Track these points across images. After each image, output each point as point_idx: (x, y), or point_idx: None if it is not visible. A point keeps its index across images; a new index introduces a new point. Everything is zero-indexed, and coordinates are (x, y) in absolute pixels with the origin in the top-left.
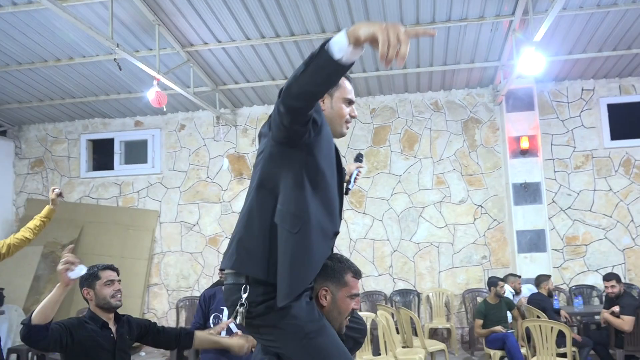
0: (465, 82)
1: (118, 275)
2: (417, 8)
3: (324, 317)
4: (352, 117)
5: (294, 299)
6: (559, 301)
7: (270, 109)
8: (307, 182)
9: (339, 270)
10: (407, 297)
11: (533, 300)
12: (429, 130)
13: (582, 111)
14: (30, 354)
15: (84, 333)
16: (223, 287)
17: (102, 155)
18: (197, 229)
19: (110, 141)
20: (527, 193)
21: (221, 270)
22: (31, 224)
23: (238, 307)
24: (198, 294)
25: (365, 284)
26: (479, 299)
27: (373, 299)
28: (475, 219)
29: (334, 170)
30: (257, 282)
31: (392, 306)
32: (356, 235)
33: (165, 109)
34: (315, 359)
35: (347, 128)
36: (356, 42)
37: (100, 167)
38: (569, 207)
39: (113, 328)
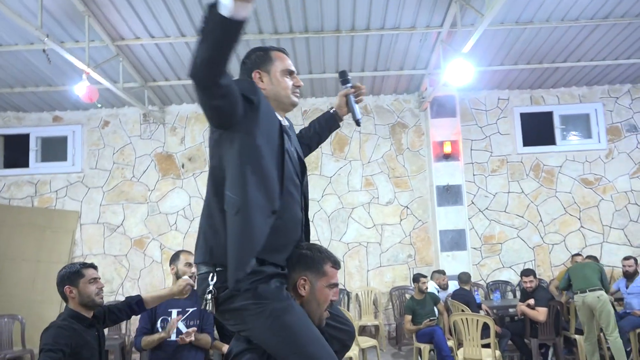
0: (394, 88)
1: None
2: (354, 15)
3: (292, 298)
4: (297, 86)
5: (262, 281)
6: (479, 295)
7: (200, 107)
8: (245, 162)
9: (318, 259)
10: None
11: (457, 295)
12: (358, 133)
13: (498, 119)
14: None
15: (77, 339)
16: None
17: (15, 151)
18: (122, 231)
19: (25, 137)
20: (450, 195)
21: (195, 263)
22: None
23: (206, 294)
24: (122, 298)
25: None
26: (407, 296)
27: None
28: (401, 220)
29: (275, 147)
30: (223, 269)
31: None
32: None
33: (99, 104)
34: (282, 338)
35: (297, 97)
36: None
37: (12, 165)
38: (486, 208)
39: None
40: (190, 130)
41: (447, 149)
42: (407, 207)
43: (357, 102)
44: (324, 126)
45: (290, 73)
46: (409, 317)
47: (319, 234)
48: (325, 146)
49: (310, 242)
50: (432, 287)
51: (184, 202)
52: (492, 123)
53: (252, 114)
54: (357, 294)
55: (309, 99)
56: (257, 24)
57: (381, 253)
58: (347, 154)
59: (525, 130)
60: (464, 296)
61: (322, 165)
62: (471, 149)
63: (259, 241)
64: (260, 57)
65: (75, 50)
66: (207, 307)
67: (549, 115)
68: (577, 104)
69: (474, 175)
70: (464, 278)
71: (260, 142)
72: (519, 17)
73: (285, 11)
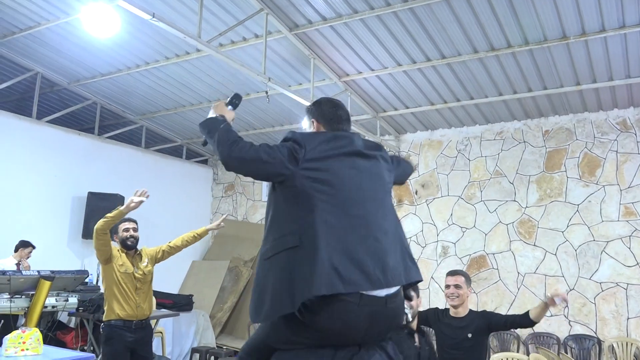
0: None
1: None
2: (580, 17)
3: None
4: None
5: None
6: None
7: (433, 134)
8: None
9: None
10: (584, 344)
11: None
12: (614, 153)
13: None
14: (207, 354)
15: None
16: None
17: None
18: None
19: None
20: None
21: None
22: (186, 236)
23: None
24: None
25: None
26: None
27: (543, 342)
28: None
29: None
30: None
31: (566, 352)
32: (525, 269)
33: None
34: None
35: None
36: None
37: None
38: None
39: None
40: (424, 157)
41: None
42: None
43: None
44: None
45: None
46: None
47: (563, 270)
48: (572, 169)
49: None
50: None
51: (416, 228)
52: None
53: None
54: (612, 345)
55: (551, 117)
56: (470, 44)
57: None
58: (600, 178)
59: None
60: None
61: (567, 191)
62: None
63: None
64: None
65: (304, 91)
66: None
67: None
68: None
69: None
70: None
71: None
72: None
73: (497, 25)
